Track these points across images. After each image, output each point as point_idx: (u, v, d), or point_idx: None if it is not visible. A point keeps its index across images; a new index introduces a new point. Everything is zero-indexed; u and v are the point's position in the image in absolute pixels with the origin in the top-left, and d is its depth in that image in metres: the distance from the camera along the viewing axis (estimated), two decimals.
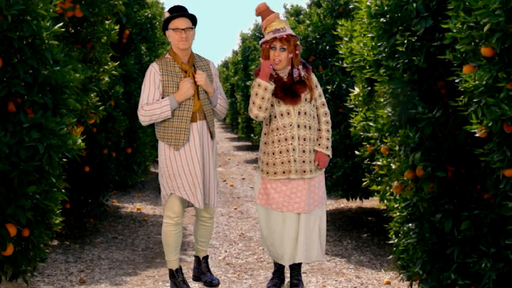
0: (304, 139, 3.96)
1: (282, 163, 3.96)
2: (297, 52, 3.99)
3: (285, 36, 3.92)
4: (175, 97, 3.90)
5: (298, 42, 4.02)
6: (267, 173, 4.01)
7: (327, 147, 4.04)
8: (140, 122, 4.05)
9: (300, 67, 4.03)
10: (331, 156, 4.10)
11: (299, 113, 3.95)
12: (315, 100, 4.07)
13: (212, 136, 4.10)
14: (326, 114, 4.10)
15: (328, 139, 4.06)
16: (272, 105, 3.97)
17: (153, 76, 3.95)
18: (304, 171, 3.96)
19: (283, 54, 3.95)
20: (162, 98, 3.95)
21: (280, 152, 3.96)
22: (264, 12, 4.06)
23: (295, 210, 3.96)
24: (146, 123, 3.95)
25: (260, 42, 4.05)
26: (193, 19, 4.02)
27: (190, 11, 4.05)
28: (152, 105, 3.91)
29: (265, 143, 4.04)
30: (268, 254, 4.21)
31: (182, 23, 3.94)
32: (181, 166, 3.96)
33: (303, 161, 3.96)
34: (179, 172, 3.96)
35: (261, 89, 3.88)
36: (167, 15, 3.99)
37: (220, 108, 4.14)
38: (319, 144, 4.04)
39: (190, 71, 4.00)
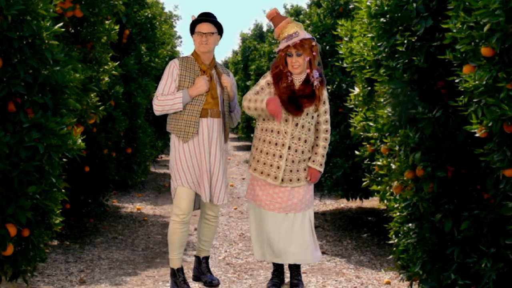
0: (296, 151, 3.95)
1: (264, 163, 3.96)
2: (314, 53, 3.95)
3: (298, 42, 3.90)
4: (189, 91, 4.02)
5: (314, 43, 3.95)
6: (254, 169, 4.02)
7: (320, 164, 4.04)
8: (154, 112, 4.21)
9: (317, 74, 4.00)
10: (322, 172, 4.10)
11: (296, 124, 3.93)
12: (319, 115, 4.04)
13: (225, 137, 4.17)
14: (327, 131, 4.08)
15: (323, 156, 4.05)
16: (263, 100, 3.95)
17: (172, 69, 4.09)
18: (291, 180, 3.96)
19: (301, 59, 3.91)
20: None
21: (267, 153, 3.96)
22: (275, 18, 4.04)
23: (276, 210, 3.97)
24: (158, 112, 4.10)
25: (276, 50, 4.02)
26: (218, 26, 4.12)
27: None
28: (166, 96, 4.04)
29: (259, 139, 4.04)
30: (255, 252, 4.18)
31: (204, 27, 4.07)
32: (189, 159, 4.04)
33: (290, 171, 3.95)
34: (187, 165, 4.04)
35: (259, 109, 3.89)
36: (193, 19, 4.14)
37: (236, 115, 4.28)
38: (313, 161, 4.02)
39: (209, 72, 4.11)
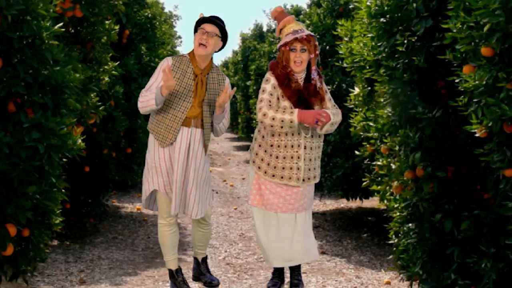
0: (311, 148, 3.95)
1: (283, 168, 3.92)
2: (316, 52, 3.96)
3: (305, 37, 3.90)
4: (161, 89, 3.82)
5: (317, 42, 3.97)
6: (265, 172, 3.97)
7: (333, 114, 3.92)
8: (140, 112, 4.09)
9: (315, 74, 3.99)
10: (332, 121, 3.91)
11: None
12: (326, 107, 4.02)
13: (205, 150, 4.03)
14: (336, 109, 4.05)
15: (333, 114, 3.93)
16: (284, 110, 3.91)
17: (163, 68, 3.93)
18: (309, 178, 3.97)
19: (304, 55, 3.90)
20: None
21: (284, 158, 3.91)
22: (280, 15, 4.05)
23: (289, 211, 3.96)
24: (140, 109, 3.93)
25: (279, 45, 3.97)
26: (222, 32, 3.99)
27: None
28: (146, 92, 3.91)
29: (271, 145, 3.94)
30: (263, 257, 4.18)
31: (209, 27, 3.93)
32: (164, 164, 3.95)
33: (309, 169, 3.96)
34: (161, 169, 3.95)
35: (287, 122, 3.83)
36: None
37: (221, 127, 4.11)
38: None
39: (201, 77, 3.98)
